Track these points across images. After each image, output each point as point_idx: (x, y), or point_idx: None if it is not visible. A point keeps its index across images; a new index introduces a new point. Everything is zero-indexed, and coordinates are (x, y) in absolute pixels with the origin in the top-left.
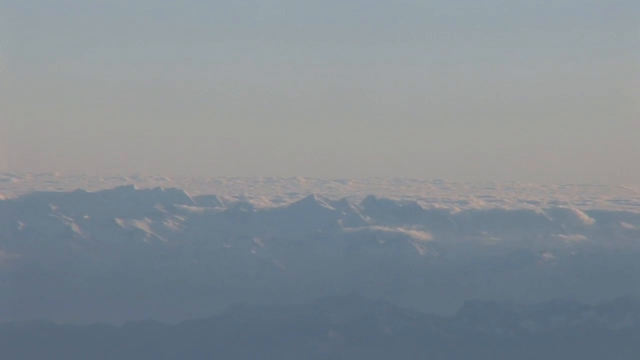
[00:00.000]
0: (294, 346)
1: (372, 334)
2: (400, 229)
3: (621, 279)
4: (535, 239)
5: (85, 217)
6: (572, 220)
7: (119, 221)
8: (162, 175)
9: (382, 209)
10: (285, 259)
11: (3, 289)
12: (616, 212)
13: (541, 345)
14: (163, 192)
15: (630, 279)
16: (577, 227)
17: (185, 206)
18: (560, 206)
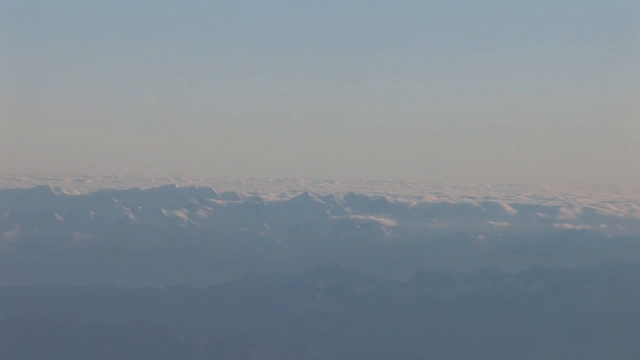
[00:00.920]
0: (290, 304)
1: (349, 296)
2: (372, 217)
3: (534, 254)
4: (472, 224)
5: (139, 207)
6: (499, 210)
7: (164, 211)
8: (197, 177)
9: (359, 202)
10: (286, 239)
11: (78, 261)
12: (532, 205)
13: (473, 304)
14: (197, 189)
15: (540, 254)
16: (503, 216)
17: (213, 200)
18: (491, 200)
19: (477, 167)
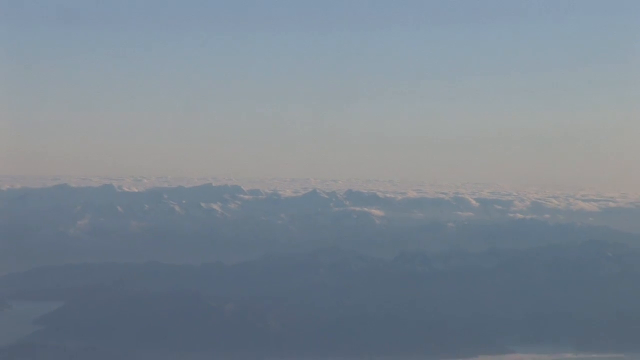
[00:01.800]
0: (300, 277)
1: (345, 270)
2: (365, 209)
3: (491, 238)
4: (444, 214)
5: (183, 202)
6: (465, 203)
7: (202, 204)
8: (230, 177)
9: (355, 197)
10: (297, 226)
11: (134, 243)
12: (492, 199)
13: (444, 277)
14: (229, 187)
15: (496, 238)
16: (468, 207)
17: (241, 195)
18: (460, 195)
19: (449, 169)
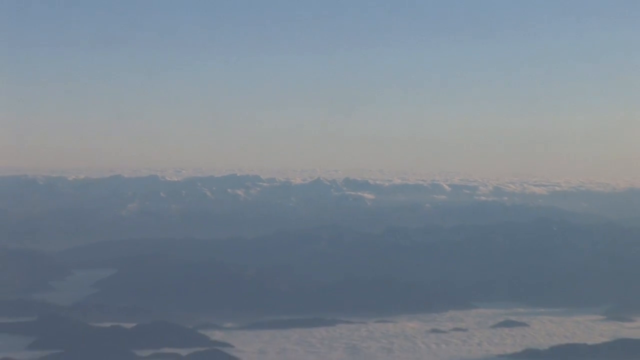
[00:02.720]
0: (305, 248)
1: (342, 242)
2: (359, 193)
3: (460, 216)
4: (422, 197)
5: (213, 188)
6: (440, 188)
7: (229, 190)
8: (251, 168)
9: (351, 184)
10: (304, 208)
11: (173, 222)
12: (461, 185)
13: (421, 248)
14: (250, 176)
15: (464, 216)
16: (442, 192)
17: (260, 183)
18: (436, 182)
19: (428, 161)
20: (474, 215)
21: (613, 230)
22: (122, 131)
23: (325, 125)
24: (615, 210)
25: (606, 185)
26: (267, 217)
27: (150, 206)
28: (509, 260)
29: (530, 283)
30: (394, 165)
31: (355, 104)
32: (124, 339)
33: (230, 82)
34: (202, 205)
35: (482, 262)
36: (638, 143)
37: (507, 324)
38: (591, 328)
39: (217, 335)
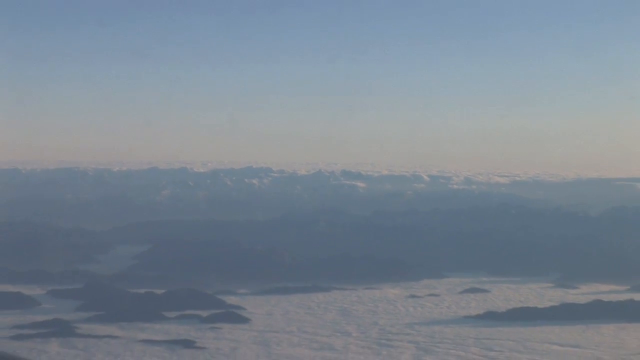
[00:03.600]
0: (307, 229)
1: (337, 224)
2: (353, 182)
3: (436, 202)
4: (405, 186)
5: (233, 178)
6: (421, 178)
7: (245, 180)
8: (265, 161)
9: (347, 174)
10: (307, 194)
11: (199, 207)
12: (438, 175)
13: (403, 228)
14: (263, 168)
15: (439, 202)
16: (422, 181)
17: (271, 174)
18: (417, 173)
19: (410, 155)
20: (448, 201)
21: (561, 213)
22: (157, 130)
23: (327, 125)
24: (564, 197)
25: (557, 176)
26: (277, 203)
27: (180, 193)
28: (475, 238)
29: (492, 256)
30: (383, 159)
31: (353, 107)
32: (155, 302)
33: (247, 88)
34: (223, 193)
35: (453, 239)
36: (585, 140)
37: (472, 290)
38: (542, 294)
39: (232, 299)
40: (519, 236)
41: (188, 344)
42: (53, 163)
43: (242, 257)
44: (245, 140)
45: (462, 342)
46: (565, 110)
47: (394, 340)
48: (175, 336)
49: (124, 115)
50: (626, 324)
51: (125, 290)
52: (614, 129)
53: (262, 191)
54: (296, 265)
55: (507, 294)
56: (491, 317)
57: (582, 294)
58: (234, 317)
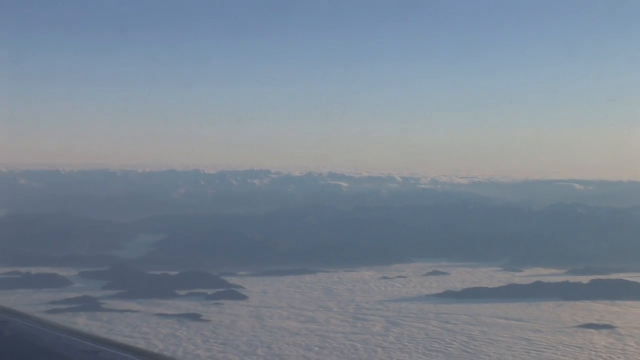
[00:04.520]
0: (298, 221)
1: (324, 217)
2: (338, 182)
3: (405, 199)
4: (381, 186)
5: (238, 178)
6: (394, 179)
7: (248, 180)
8: (265, 164)
9: (333, 176)
10: (299, 192)
11: (209, 202)
12: (410, 177)
13: (378, 221)
14: (263, 170)
15: (403, 199)
16: (395, 182)
17: (270, 175)
18: (391, 174)
19: (385, 159)
20: (416, 198)
21: (510, 209)
22: (174, 137)
23: (317, 134)
24: (513, 195)
25: (508, 177)
26: (273, 199)
27: (193, 191)
28: (438, 229)
29: (452, 245)
30: (363, 163)
31: (339, 117)
32: (169, 282)
33: (250, 100)
34: (228, 190)
35: (420, 230)
36: (532, 147)
37: (434, 273)
38: (492, 276)
39: (233, 280)
40: (475, 228)
41: (195, 317)
42: (87, 165)
43: (243, 244)
44: (248, 146)
45: (424, 317)
46: (518, 121)
47: (368, 315)
48: (184, 310)
49: (147, 124)
50: (562, 302)
51: (144, 272)
52: (559, 137)
53: (262, 189)
54: (288, 252)
55: (463, 276)
56: (449, 296)
57: (526, 276)
58: (235, 294)
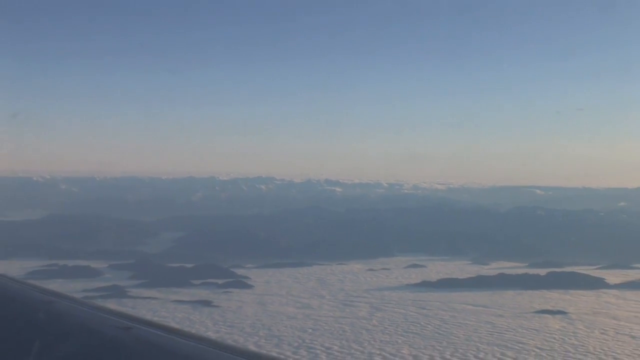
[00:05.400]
0: (298, 220)
1: (321, 217)
2: (332, 188)
3: (392, 202)
4: (370, 191)
5: (247, 184)
6: (381, 185)
7: (256, 186)
8: (270, 172)
9: (329, 182)
10: (300, 196)
11: (222, 206)
12: (395, 183)
13: (367, 220)
14: (269, 177)
15: (392, 203)
16: (382, 187)
17: (275, 181)
18: (379, 181)
19: (375, 167)
20: (400, 202)
21: (480, 211)
22: (193, 148)
23: (315, 145)
24: (483, 199)
25: (479, 184)
26: (277, 202)
27: (209, 195)
28: (418, 228)
29: (429, 241)
30: (355, 171)
31: (334, 130)
32: (185, 273)
33: (258, 116)
34: (239, 195)
35: (402, 229)
36: (501, 157)
37: (414, 266)
38: (462, 269)
39: (241, 271)
40: (449, 227)
41: (207, 303)
42: (118, 173)
43: (250, 241)
44: (256, 157)
45: (404, 303)
46: (490, 133)
47: (355, 301)
48: (198, 298)
49: (171, 137)
50: (522, 291)
51: (165, 264)
52: (526, 147)
53: (268, 194)
54: (289, 247)
55: (438, 268)
56: (426, 285)
57: (492, 269)
58: (242, 284)
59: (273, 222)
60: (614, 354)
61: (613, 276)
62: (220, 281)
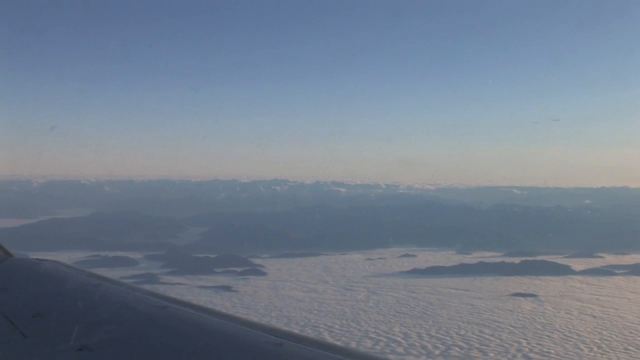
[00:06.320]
0: (306, 217)
1: (326, 214)
2: (338, 189)
3: (386, 202)
4: (370, 191)
5: (264, 186)
6: (379, 186)
7: (272, 187)
8: (283, 175)
9: (335, 184)
10: (309, 195)
11: (242, 204)
12: (390, 184)
13: (368, 217)
14: (283, 180)
15: (385, 201)
16: (380, 188)
17: (289, 183)
18: (376, 182)
19: (378, 170)
20: (396, 200)
21: (464, 208)
22: (219, 153)
23: (324, 150)
24: (467, 197)
25: (465, 184)
26: (290, 201)
27: (231, 195)
28: (411, 222)
29: (420, 234)
30: (357, 173)
31: (340, 135)
32: (209, 262)
33: (273, 125)
34: (258, 195)
35: (397, 224)
36: (487, 159)
37: (406, 255)
38: (448, 258)
39: (257, 261)
40: (438, 222)
41: (227, 288)
42: (154, 176)
43: (266, 234)
44: (272, 161)
45: (396, 288)
46: (475, 139)
47: (354, 286)
48: (220, 284)
49: (200, 144)
50: (499, 277)
51: (192, 255)
52: (507, 152)
53: (282, 194)
54: (299, 240)
55: (427, 257)
56: (416, 272)
57: (473, 258)
58: (257, 272)
59: (285, 218)
60: (577, 331)
61: (578, 264)
62: (239, 269)
